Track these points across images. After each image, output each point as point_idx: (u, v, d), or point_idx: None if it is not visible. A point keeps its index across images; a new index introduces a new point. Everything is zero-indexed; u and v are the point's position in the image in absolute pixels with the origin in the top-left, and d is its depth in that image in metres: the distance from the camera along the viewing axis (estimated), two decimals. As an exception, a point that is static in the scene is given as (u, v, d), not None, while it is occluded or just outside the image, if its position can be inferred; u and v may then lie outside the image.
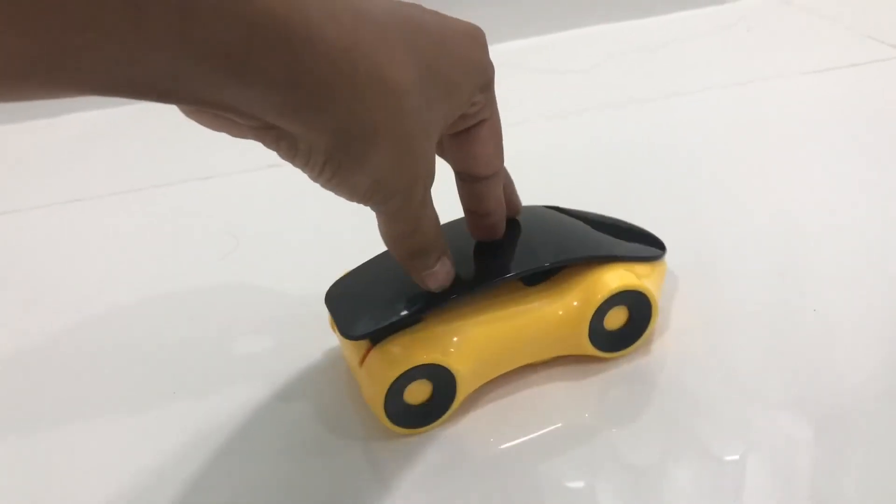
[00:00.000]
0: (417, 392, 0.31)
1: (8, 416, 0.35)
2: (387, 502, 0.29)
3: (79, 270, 0.46)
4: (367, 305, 0.32)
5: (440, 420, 0.32)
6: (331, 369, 0.35)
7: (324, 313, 0.33)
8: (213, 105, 0.22)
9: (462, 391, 0.31)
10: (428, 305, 0.31)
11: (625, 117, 0.57)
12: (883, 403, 0.31)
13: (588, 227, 0.36)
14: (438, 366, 0.30)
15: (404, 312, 0.30)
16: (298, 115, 0.23)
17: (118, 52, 0.19)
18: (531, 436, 0.31)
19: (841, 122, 0.53)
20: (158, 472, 0.31)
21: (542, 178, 0.46)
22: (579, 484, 0.29)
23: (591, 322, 0.32)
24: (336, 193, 0.26)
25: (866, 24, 0.67)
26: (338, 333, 0.32)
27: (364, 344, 0.31)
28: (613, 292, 0.32)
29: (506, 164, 0.32)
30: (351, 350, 0.32)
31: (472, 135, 0.30)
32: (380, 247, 0.33)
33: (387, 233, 0.29)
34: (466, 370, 0.31)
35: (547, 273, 0.33)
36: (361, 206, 0.27)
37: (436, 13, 0.27)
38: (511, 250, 0.33)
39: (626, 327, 0.34)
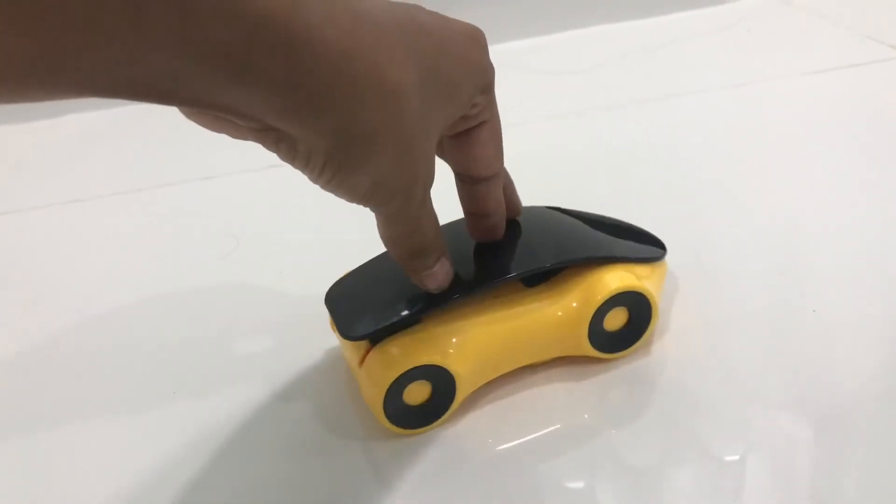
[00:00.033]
0: (417, 393, 0.31)
1: (8, 416, 0.35)
2: (387, 502, 0.29)
3: (79, 271, 0.46)
4: (367, 306, 0.32)
5: (439, 421, 0.32)
6: (331, 369, 0.35)
7: (324, 313, 0.33)
8: (213, 107, 0.22)
9: (461, 392, 0.31)
10: (427, 306, 0.31)
11: (625, 118, 0.57)
12: (883, 403, 0.31)
13: (588, 228, 0.36)
14: (438, 367, 0.30)
15: (404, 313, 0.30)
16: (298, 117, 0.23)
17: (118, 52, 0.19)
18: (531, 436, 0.31)
19: (841, 123, 0.53)
20: (158, 472, 0.31)
21: (542, 179, 0.46)
22: (579, 484, 0.29)
23: (590, 323, 0.32)
24: (336, 195, 0.26)
25: (866, 24, 0.67)
26: (337, 334, 0.32)
27: (364, 344, 0.31)
28: (613, 293, 0.32)
29: (506, 164, 0.32)
30: (351, 350, 0.32)
31: (473, 136, 0.30)
32: (380, 247, 0.33)
33: (386, 233, 0.29)
34: (466, 371, 0.31)
35: (547, 274, 0.33)
36: (361, 206, 0.27)
37: (436, 14, 0.27)
38: (511, 251, 0.33)
39: (625, 328, 0.34)
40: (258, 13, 0.20)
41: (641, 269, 0.34)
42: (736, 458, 0.29)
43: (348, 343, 0.32)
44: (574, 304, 0.32)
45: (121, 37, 0.19)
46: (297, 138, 0.24)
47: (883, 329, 0.35)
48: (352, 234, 0.39)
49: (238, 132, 0.25)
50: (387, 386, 0.30)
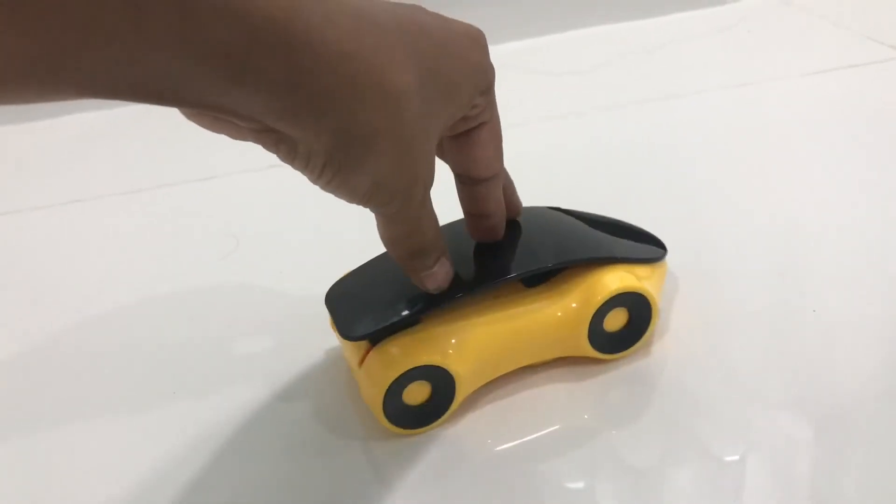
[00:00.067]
0: (416, 393, 0.31)
1: (8, 416, 0.35)
2: (387, 502, 0.29)
3: (79, 271, 0.46)
4: (367, 306, 0.32)
5: (439, 421, 0.32)
6: (331, 369, 0.35)
7: (324, 314, 0.33)
8: (213, 108, 0.22)
9: (461, 392, 0.31)
10: (427, 306, 0.31)
11: (625, 118, 0.57)
12: (883, 403, 0.31)
13: (588, 228, 0.36)
14: (437, 367, 0.30)
15: (404, 313, 0.30)
16: (298, 119, 0.23)
17: (118, 52, 0.19)
18: (531, 437, 0.31)
19: (841, 123, 0.53)
20: (158, 472, 0.31)
21: (542, 179, 0.46)
22: (579, 485, 0.29)
23: (590, 323, 0.32)
24: (336, 195, 0.26)
25: (866, 25, 0.67)
26: (337, 334, 0.32)
27: (363, 345, 0.31)
28: (613, 294, 0.32)
29: (506, 164, 0.32)
30: (350, 351, 0.32)
31: (473, 137, 0.30)
32: (379, 248, 0.33)
33: (386, 234, 0.29)
34: (465, 371, 0.31)
35: (547, 274, 0.33)
36: (361, 207, 0.27)
37: (437, 15, 0.27)
38: (511, 251, 0.33)
39: (625, 329, 0.34)
40: (258, 14, 0.20)
41: (641, 270, 0.34)
42: (736, 458, 0.29)
43: (348, 343, 0.32)
44: (574, 305, 0.32)
45: (121, 37, 0.19)
46: (296, 139, 0.24)
47: (883, 329, 0.35)
48: (352, 235, 0.39)
49: (238, 133, 0.25)
50: (386, 386, 0.30)
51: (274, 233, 0.48)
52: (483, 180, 0.31)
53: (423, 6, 0.27)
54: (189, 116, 0.26)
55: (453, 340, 0.31)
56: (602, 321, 0.33)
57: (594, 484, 0.29)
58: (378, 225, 0.29)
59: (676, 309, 0.37)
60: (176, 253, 0.47)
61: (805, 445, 0.30)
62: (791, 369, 0.33)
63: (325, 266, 0.35)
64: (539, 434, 0.31)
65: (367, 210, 0.27)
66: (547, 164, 0.51)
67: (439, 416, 0.31)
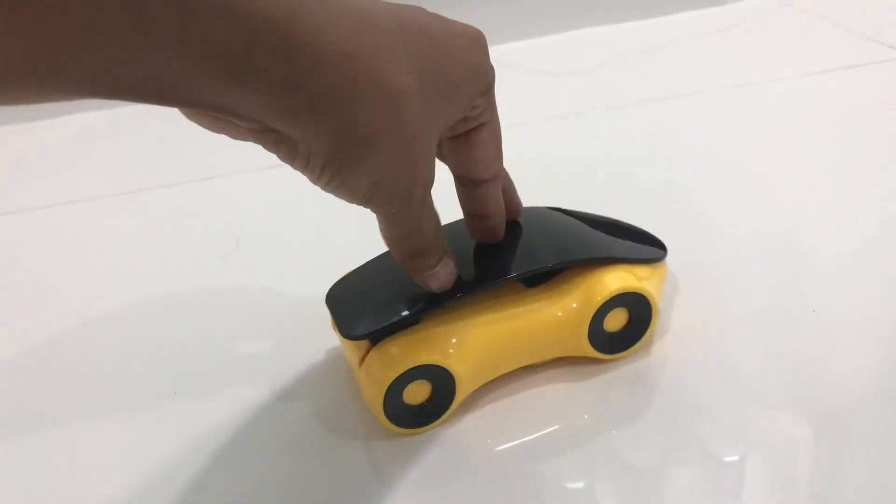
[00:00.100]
0: (417, 392, 0.31)
1: (8, 416, 0.35)
2: (387, 502, 0.29)
3: (79, 271, 0.46)
4: (368, 306, 0.32)
5: (439, 420, 0.32)
6: (331, 369, 0.35)
7: (324, 314, 0.33)
8: (213, 108, 0.22)
9: (461, 392, 0.31)
10: (428, 306, 0.31)
11: (625, 118, 0.57)
12: (883, 404, 0.31)
13: (589, 229, 0.36)
14: (437, 366, 0.30)
15: (404, 313, 0.30)
16: (298, 119, 0.23)
17: (118, 52, 0.19)
18: (531, 437, 0.31)
19: (841, 123, 0.53)
20: (159, 472, 0.31)
21: (542, 180, 0.46)
22: (579, 485, 0.29)
23: (590, 324, 0.32)
24: (336, 195, 0.26)
25: (866, 25, 0.67)
26: (338, 333, 0.32)
27: (364, 344, 0.31)
28: (613, 294, 0.32)
29: (506, 165, 0.32)
30: (351, 350, 0.32)
31: (472, 138, 0.30)
32: (380, 248, 0.33)
33: (387, 234, 0.29)
34: (466, 371, 0.31)
35: (547, 274, 0.33)
36: (361, 207, 0.27)
37: (437, 16, 0.27)
38: (511, 251, 0.33)
39: (626, 329, 0.34)
40: (258, 14, 0.20)
41: (642, 270, 0.34)
42: (736, 458, 0.29)
43: (348, 343, 0.32)
44: (574, 305, 0.32)
45: (121, 37, 0.19)
46: (296, 139, 0.24)
47: (883, 329, 0.35)
48: (352, 235, 0.39)
49: (238, 133, 0.25)
50: (387, 385, 0.30)
51: (274, 233, 0.48)
52: (483, 182, 0.31)
53: (424, 7, 0.27)
54: (189, 116, 0.26)
55: (454, 340, 0.31)
56: (602, 321, 0.33)
57: (594, 484, 0.29)
58: (379, 225, 0.29)
59: (676, 309, 0.37)
60: (176, 253, 0.47)
61: (805, 445, 0.30)
62: (791, 369, 0.33)
63: (324, 266, 0.35)
64: (539, 434, 0.31)
65: (367, 210, 0.27)
66: (547, 165, 0.51)
67: (439, 416, 0.31)
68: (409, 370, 0.30)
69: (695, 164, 0.50)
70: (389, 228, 0.28)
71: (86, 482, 0.31)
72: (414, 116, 0.25)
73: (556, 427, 0.31)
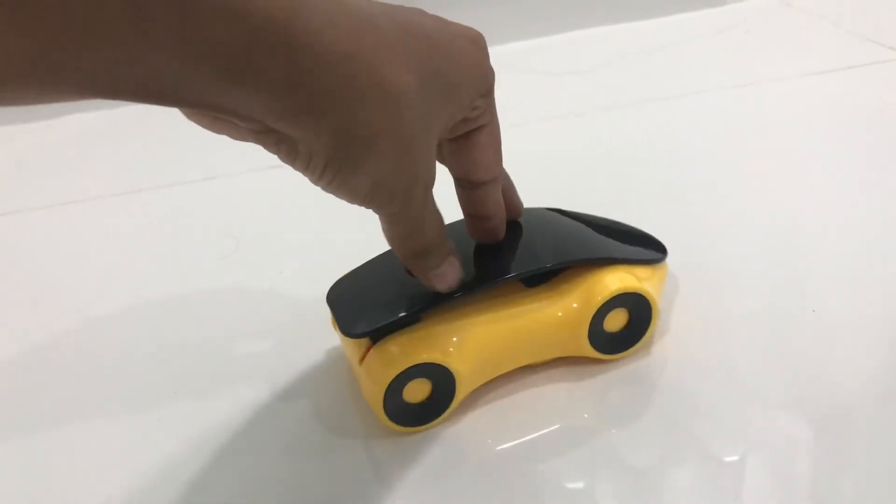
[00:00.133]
0: (417, 391, 0.31)
1: (8, 416, 0.35)
2: (387, 502, 0.29)
3: (79, 271, 0.46)
4: (369, 304, 0.32)
5: (440, 419, 0.32)
6: (331, 369, 0.35)
7: (324, 314, 0.33)
8: (213, 108, 0.22)
9: (461, 391, 0.31)
10: (428, 305, 0.31)
11: (624, 119, 0.57)
12: (883, 404, 0.31)
13: (589, 230, 0.36)
14: (438, 365, 0.30)
15: (405, 312, 0.30)
16: (298, 120, 0.23)
17: (118, 52, 0.19)
18: (531, 436, 0.31)
19: (840, 124, 0.53)
20: (159, 473, 0.31)
21: (542, 180, 0.46)
22: (579, 485, 0.29)
23: (590, 324, 0.32)
24: (337, 196, 0.26)
25: (865, 25, 0.67)
26: (338, 332, 0.33)
27: (364, 342, 0.31)
28: (613, 294, 0.32)
29: (506, 165, 0.32)
30: (351, 348, 0.32)
31: (472, 140, 0.30)
32: (380, 247, 0.33)
33: (390, 234, 0.29)
34: (466, 370, 0.31)
35: (547, 274, 0.33)
36: (362, 207, 0.27)
37: (437, 18, 0.27)
38: (511, 251, 0.33)
39: (626, 329, 0.34)
40: (258, 14, 0.20)
41: (642, 271, 0.34)
42: (736, 458, 0.29)
43: (349, 341, 0.32)
44: (574, 305, 0.32)
45: (120, 37, 0.19)
46: (297, 140, 0.24)
47: (883, 329, 0.35)
48: (352, 235, 0.39)
49: (238, 133, 0.25)
50: (387, 384, 0.30)
51: (274, 233, 0.48)
52: (482, 183, 0.31)
53: (424, 8, 0.27)
54: (189, 117, 0.26)
55: (454, 339, 0.31)
56: (602, 321, 0.33)
57: (594, 484, 0.29)
58: (382, 225, 0.29)
59: (676, 309, 0.37)
60: (176, 253, 0.47)
61: (805, 445, 0.30)
62: (791, 369, 0.33)
63: (324, 266, 0.35)
64: (539, 434, 0.31)
65: (367, 211, 0.27)
66: (547, 165, 0.51)
67: (440, 415, 0.31)
68: (409, 368, 0.30)
69: (695, 164, 0.50)
70: (392, 228, 0.28)
71: (86, 482, 0.31)
72: (414, 116, 0.25)
73: (556, 427, 0.31)
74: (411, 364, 0.30)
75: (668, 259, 0.36)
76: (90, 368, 0.38)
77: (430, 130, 0.26)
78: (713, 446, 0.30)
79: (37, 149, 0.63)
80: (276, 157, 0.25)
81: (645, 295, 0.33)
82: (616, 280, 0.32)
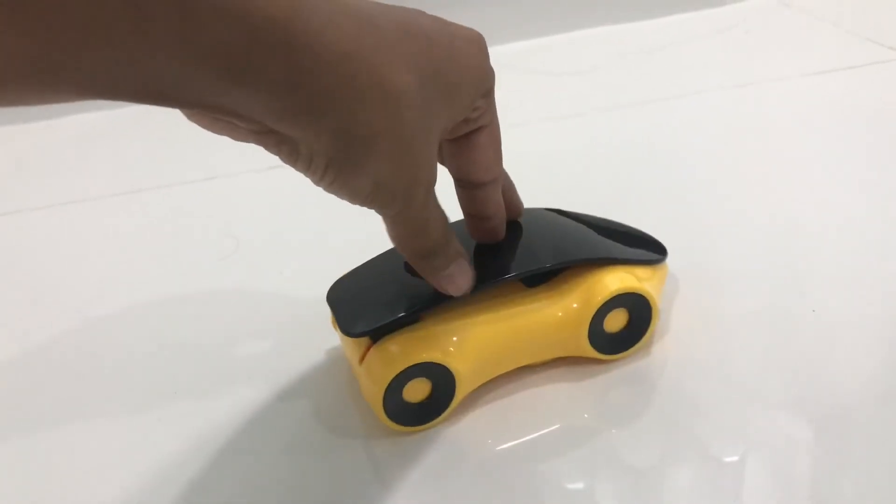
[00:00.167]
0: (416, 390, 0.31)
1: (8, 416, 0.35)
2: (387, 502, 0.29)
3: (79, 271, 0.46)
4: (369, 303, 0.32)
5: (439, 419, 0.32)
6: (331, 369, 0.35)
7: (324, 314, 0.33)
8: (214, 109, 0.22)
9: (461, 390, 0.31)
10: (428, 305, 0.31)
11: (624, 119, 0.57)
12: (883, 403, 0.31)
13: (589, 230, 0.36)
14: (437, 364, 0.30)
15: (405, 311, 0.30)
16: (298, 120, 0.23)
17: (118, 52, 0.19)
18: (531, 436, 0.31)
19: (840, 124, 0.53)
20: (159, 473, 0.31)
21: (543, 180, 0.46)
22: (579, 485, 0.29)
23: (590, 324, 0.32)
24: (339, 196, 0.26)
25: (865, 26, 0.67)
26: (339, 331, 0.33)
27: (364, 342, 0.31)
28: (613, 294, 0.32)
29: (506, 165, 0.32)
30: (351, 348, 0.32)
31: (472, 141, 0.30)
32: (380, 247, 0.33)
33: (393, 235, 0.29)
34: (466, 369, 0.31)
35: (547, 274, 0.33)
36: (362, 208, 0.27)
37: (437, 18, 0.27)
38: (512, 251, 0.33)
39: (625, 330, 0.34)
40: (258, 14, 0.20)
41: (642, 271, 0.34)
42: (736, 458, 0.29)
43: (349, 340, 0.32)
44: (574, 305, 0.32)
45: (120, 36, 0.19)
46: (298, 141, 0.24)
47: (883, 329, 0.35)
48: (352, 235, 0.39)
49: (239, 134, 0.25)
50: (386, 383, 0.30)
51: (274, 233, 0.48)
52: (483, 184, 0.31)
53: (424, 9, 0.27)
54: (190, 117, 0.26)
55: (454, 338, 0.31)
56: (602, 322, 0.33)
57: (594, 484, 0.29)
58: (386, 227, 0.28)
59: (676, 309, 0.37)
60: (176, 253, 0.47)
61: (805, 445, 0.30)
62: (791, 369, 0.33)
63: (325, 267, 0.35)
64: (539, 434, 0.31)
65: (367, 211, 0.27)
66: (547, 165, 0.51)
67: (439, 414, 0.31)
68: (408, 368, 0.30)
69: (694, 164, 0.50)
70: (395, 229, 0.28)
71: (86, 482, 0.31)
72: (414, 116, 0.25)
73: (556, 427, 0.31)
74: (411, 363, 0.30)
75: (668, 259, 0.36)
76: (90, 368, 0.38)
77: (430, 130, 0.26)
78: (713, 446, 0.30)
79: (37, 149, 0.63)
80: (276, 157, 0.25)
81: (645, 295, 0.33)
82: (616, 280, 0.32)
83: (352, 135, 0.24)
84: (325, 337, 0.35)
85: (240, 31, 0.20)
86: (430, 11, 0.27)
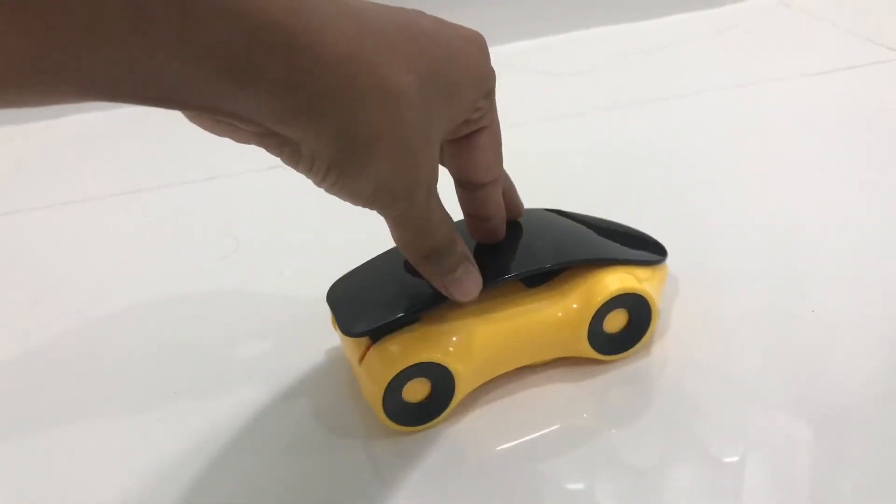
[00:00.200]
0: (416, 390, 0.31)
1: (9, 416, 0.35)
2: (387, 501, 0.29)
3: (79, 271, 0.46)
4: (369, 303, 0.32)
5: (439, 418, 0.32)
6: (331, 369, 0.35)
7: (324, 314, 0.33)
8: (214, 111, 0.22)
9: (461, 390, 0.31)
10: (428, 305, 0.31)
11: (624, 119, 0.57)
12: (883, 404, 0.31)
13: (589, 231, 0.36)
14: (437, 364, 0.30)
15: (404, 311, 0.30)
16: (298, 121, 0.23)
17: (118, 51, 0.19)
18: (531, 436, 0.31)
19: (840, 124, 0.53)
20: (159, 473, 0.31)
21: (543, 180, 0.46)
22: (579, 485, 0.29)
23: (590, 324, 0.32)
24: (340, 198, 0.26)
25: (865, 26, 0.67)
26: (338, 331, 0.33)
27: (364, 341, 0.31)
28: (613, 295, 0.32)
29: (505, 165, 0.32)
30: (351, 348, 0.32)
31: (473, 142, 0.30)
32: (380, 247, 0.33)
33: (396, 237, 0.29)
34: (465, 369, 0.31)
35: (547, 275, 0.33)
36: (362, 208, 0.27)
37: (438, 19, 0.27)
38: (512, 252, 0.33)
39: (625, 330, 0.34)
40: (258, 15, 0.20)
41: (642, 272, 0.34)
42: (736, 458, 0.29)
43: (349, 340, 0.32)
44: (574, 306, 0.32)
45: (120, 36, 0.19)
46: (299, 142, 0.24)
47: (883, 329, 0.35)
48: (352, 236, 0.39)
49: (241, 136, 0.25)
50: (386, 383, 0.30)
51: (274, 234, 0.48)
52: (483, 185, 0.31)
53: (424, 9, 0.27)
54: (192, 119, 0.26)
55: (453, 338, 0.31)
56: (602, 322, 0.33)
57: (594, 484, 0.29)
58: (389, 229, 0.28)
59: (676, 309, 0.37)
60: (176, 253, 0.47)
61: (805, 445, 0.30)
62: (791, 369, 0.33)
63: (325, 267, 0.35)
64: (539, 434, 0.31)
65: (367, 211, 0.27)
66: (547, 165, 0.51)
67: (439, 414, 0.31)
68: (408, 367, 0.30)
69: (694, 164, 0.50)
70: (398, 231, 0.28)
71: (86, 482, 0.31)
72: (414, 117, 0.25)
73: (556, 427, 0.31)
74: (411, 363, 0.30)
75: (668, 259, 0.36)
76: (90, 368, 0.38)
77: (430, 131, 0.26)
78: (713, 446, 0.30)
79: (37, 149, 0.63)
80: (277, 158, 0.25)
81: (644, 296, 0.33)
82: (616, 281, 0.32)
83: (352, 135, 0.24)
84: (325, 337, 0.35)
85: (240, 31, 0.20)
86: (430, 11, 0.27)
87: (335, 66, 0.22)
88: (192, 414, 0.34)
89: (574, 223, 0.37)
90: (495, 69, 0.29)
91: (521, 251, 0.33)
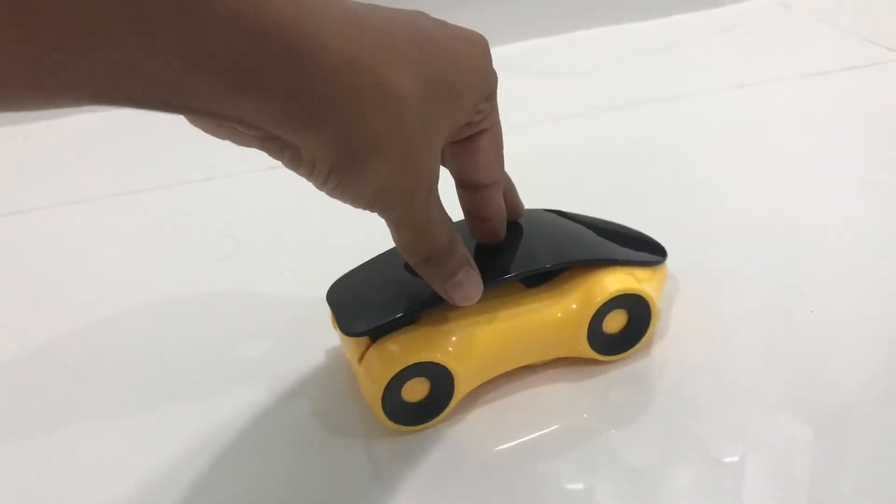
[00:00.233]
0: (415, 390, 0.31)
1: (9, 416, 0.35)
2: (387, 501, 0.29)
3: (79, 271, 0.46)
4: (368, 303, 0.32)
5: (439, 418, 0.32)
6: (331, 369, 0.35)
7: (324, 314, 0.33)
8: (215, 115, 0.22)
9: (460, 390, 0.31)
10: (428, 305, 0.31)
11: (624, 119, 0.57)
12: (883, 404, 0.31)
13: (589, 231, 0.36)
14: (436, 364, 0.30)
15: (404, 311, 0.30)
16: (299, 127, 0.23)
17: (119, 53, 0.19)
18: (530, 436, 0.31)
19: (840, 124, 0.53)
20: (159, 473, 0.31)
21: (543, 180, 0.46)
22: (578, 485, 0.29)
23: (589, 325, 0.32)
24: (342, 201, 0.26)
25: (865, 27, 0.68)
26: (338, 330, 0.33)
27: (364, 341, 0.31)
28: (612, 295, 0.32)
29: (506, 166, 0.32)
30: (351, 347, 0.32)
31: (474, 143, 0.30)
32: (380, 247, 0.33)
33: (397, 239, 0.28)
34: (465, 369, 0.31)
35: (547, 275, 0.33)
36: (367, 211, 0.27)
37: (439, 21, 0.27)
38: (512, 252, 0.33)
39: (625, 331, 0.34)
40: (261, 21, 0.20)
41: (642, 272, 0.34)
42: (735, 458, 0.29)
43: (348, 340, 0.32)
44: (574, 306, 0.32)
45: (121, 37, 0.19)
46: (300, 146, 0.24)
47: (883, 329, 0.35)
48: (352, 236, 0.39)
49: (242, 140, 0.25)
50: (385, 382, 0.30)
51: (274, 234, 0.48)
52: (484, 186, 0.31)
53: (424, 10, 0.27)
54: (193, 122, 0.26)
55: (453, 338, 0.31)
56: (601, 323, 0.33)
57: (594, 484, 0.29)
58: (390, 231, 0.28)
59: (676, 310, 0.37)
60: (176, 254, 0.47)
61: (805, 445, 0.30)
62: (790, 370, 0.33)
63: (325, 267, 0.35)
64: (539, 434, 0.31)
65: (367, 212, 0.27)
66: (547, 166, 0.51)
67: (438, 414, 0.31)
68: (407, 367, 0.30)
69: (694, 164, 0.50)
70: (398, 233, 0.28)
71: (86, 482, 0.31)
72: (416, 119, 0.25)
73: (556, 427, 0.31)
74: (410, 363, 0.30)
75: (668, 259, 0.36)
76: (90, 368, 0.38)
77: (431, 133, 0.26)
78: (713, 446, 0.30)
79: (37, 149, 0.63)
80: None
81: (644, 296, 0.33)
82: (615, 281, 0.32)
83: (353, 140, 0.24)
84: (325, 337, 0.35)
85: (241, 34, 0.20)
86: (430, 12, 0.27)
87: (336, 71, 0.22)
88: (192, 414, 0.34)
89: (574, 224, 0.37)
90: (496, 70, 0.29)
91: (520, 251, 0.33)
